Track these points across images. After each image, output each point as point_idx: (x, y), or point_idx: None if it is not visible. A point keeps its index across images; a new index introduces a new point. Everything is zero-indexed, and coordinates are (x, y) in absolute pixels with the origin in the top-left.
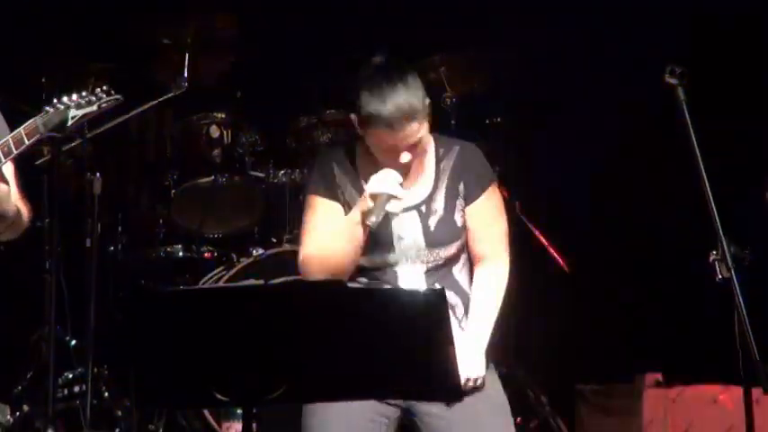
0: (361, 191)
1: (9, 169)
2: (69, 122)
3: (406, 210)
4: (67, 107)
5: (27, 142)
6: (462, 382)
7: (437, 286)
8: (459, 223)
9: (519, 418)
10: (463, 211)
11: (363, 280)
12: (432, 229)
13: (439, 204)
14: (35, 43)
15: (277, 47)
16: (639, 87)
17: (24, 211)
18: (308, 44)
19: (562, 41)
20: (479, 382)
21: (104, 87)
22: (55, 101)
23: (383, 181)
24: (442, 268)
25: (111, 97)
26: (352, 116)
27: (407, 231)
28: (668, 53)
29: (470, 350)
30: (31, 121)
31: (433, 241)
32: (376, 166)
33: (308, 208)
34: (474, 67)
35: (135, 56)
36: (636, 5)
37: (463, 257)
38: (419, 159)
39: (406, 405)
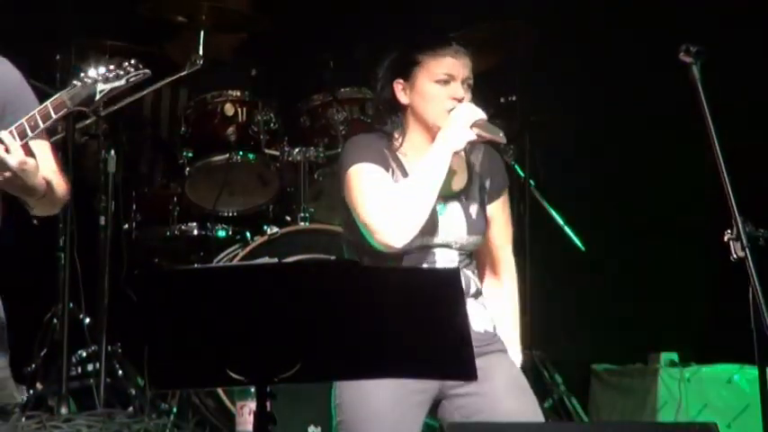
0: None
1: (44, 144)
2: (97, 97)
3: (449, 197)
4: (95, 81)
5: (54, 116)
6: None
7: (453, 265)
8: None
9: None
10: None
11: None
12: (474, 217)
13: (474, 195)
14: (49, 21)
15: (291, 25)
16: (657, 64)
17: (59, 184)
18: (323, 23)
19: (575, 19)
20: None
21: (132, 61)
22: (82, 75)
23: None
24: (468, 257)
25: (140, 71)
26: (397, 81)
27: (452, 218)
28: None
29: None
30: (57, 95)
31: (473, 229)
32: (417, 153)
33: (361, 174)
34: (488, 46)
35: (150, 34)
36: None
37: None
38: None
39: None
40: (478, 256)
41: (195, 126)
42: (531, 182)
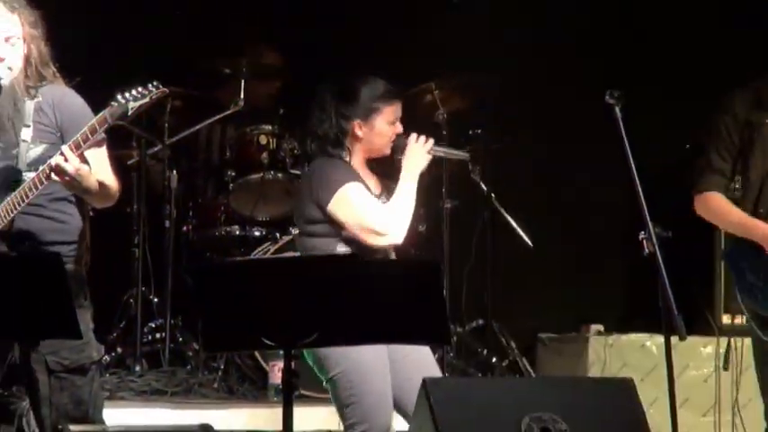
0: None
1: (99, 152)
2: (129, 113)
3: (376, 198)
4: (127, 101)
5: (99, 130)
6: None
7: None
8: None
9: (494, 358)
10: None
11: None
12: None
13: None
14: (124, 70)
15: (310, 76)
16: (586, 106)
17: (111, 184)
18: (335, 74)
19: (526, 70)
20: None
21: (155, 83)
22: (118, 96)
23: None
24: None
25: (160, 90)
26: (356, 121)
27: None
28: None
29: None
30: (100, 114)
31: None
32: (360, 170)
33: (356, 192)
34: (460, 91)
35: (204, 82)
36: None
37: None
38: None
39: None
40: None
41: (237, 152)
42: (492, 194)
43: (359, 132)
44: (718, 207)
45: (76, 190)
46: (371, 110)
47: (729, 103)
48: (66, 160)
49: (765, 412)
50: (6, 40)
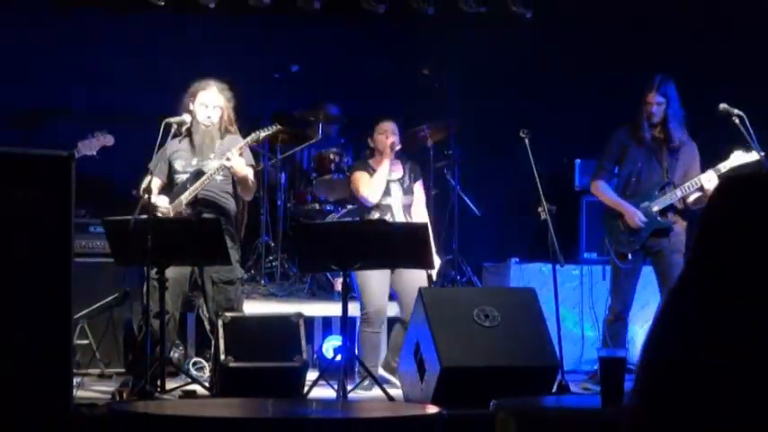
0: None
1: (249, 168)
2: (260, 138)
3: (395, 181)
4: (259, 133)
5: (245, 149)
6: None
7: (401, 214)
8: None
9: (458, 276)
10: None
11: (376, 215)
12: (405, 187)
13: (406, 181)
14: (254, 124)
15: (355, 122)
16: (513, 135)
17: (252, 179)
18: (370, 120)
19: (475, 116)
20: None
21: (276, 123)
22: (255, 131)
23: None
24: (406, 210)
25: (277, 127)
26: (371, 138)
27: (397, 190)
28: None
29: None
30: (244, 140)
31: (407, 192)
32: (376, 162)
33: (361, 174)
34: (441, 129)
35: (298, 124)
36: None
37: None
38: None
39: None
40: (412, 211)
41: (317, 163)
42: (457, 186)
43: (371, 143)
44: (602, 190)
45: (237, 174)
46: (373, 129)
47: (616, 134)
48: (232, 154)
49: (611, 307)
50: (213, 107)
